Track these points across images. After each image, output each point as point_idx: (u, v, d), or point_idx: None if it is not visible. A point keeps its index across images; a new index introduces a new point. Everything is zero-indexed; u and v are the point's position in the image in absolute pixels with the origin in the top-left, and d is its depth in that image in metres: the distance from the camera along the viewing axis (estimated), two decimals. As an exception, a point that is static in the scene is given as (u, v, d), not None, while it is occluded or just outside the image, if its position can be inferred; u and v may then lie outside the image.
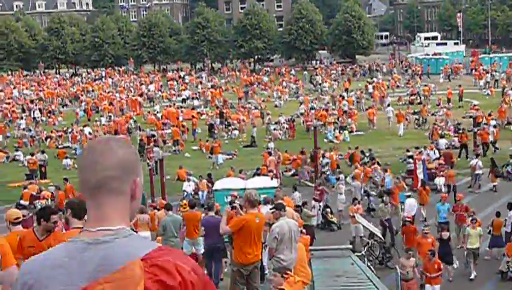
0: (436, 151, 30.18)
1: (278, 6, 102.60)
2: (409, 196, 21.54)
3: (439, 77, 62.08)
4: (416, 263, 15.71)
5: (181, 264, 2.01)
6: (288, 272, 8.96)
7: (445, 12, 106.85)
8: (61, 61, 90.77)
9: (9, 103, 56.84)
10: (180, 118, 43.54)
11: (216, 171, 30.12)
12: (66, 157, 35.17)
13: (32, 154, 33.31)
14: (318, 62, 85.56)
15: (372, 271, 14.75)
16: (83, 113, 51.45)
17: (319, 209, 22.35)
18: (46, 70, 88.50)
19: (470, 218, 18.02)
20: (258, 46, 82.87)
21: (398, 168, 28.11)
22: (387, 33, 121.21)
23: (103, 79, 75.99)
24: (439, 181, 25.66)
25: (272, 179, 23.31)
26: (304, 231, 13.73)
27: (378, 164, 27.27)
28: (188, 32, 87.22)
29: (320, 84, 60.79)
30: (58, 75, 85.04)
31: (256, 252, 10.24)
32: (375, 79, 60.24)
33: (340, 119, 41.16)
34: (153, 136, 37.10)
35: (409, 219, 18.80)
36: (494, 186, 25.83)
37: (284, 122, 40.49)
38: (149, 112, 49.00)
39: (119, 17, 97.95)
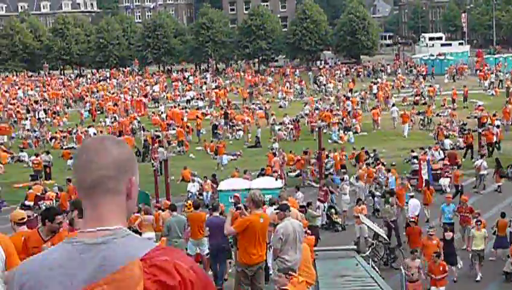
0: (441, 151, 30.16)
1: (283, 6, 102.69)
2: (412, 196, 21.51)
3: (443, 77, 61.93)
4: (421, 264, 15.67)
5: (179, 263, 2.00)
6: (293, 273, 8.95)
7: (450, 12, 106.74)
8: (66, 62, 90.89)
9: (14, 104, 56.79)
10: (185, 119, 43.58)
11: (221, 171, 30.13)
12: (71, 158, 35.15)
13: (37, 155, 33.32)
14: (322, 63, 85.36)
15: (377, 272, 14.73)
16: (88, 114, 51.47)
17: (324, 210, 22.35)
18: (51, 71, 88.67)
19: (475, 220, 17.97)
20: (262, 47, 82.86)
21: (402, 169, 28.10)
22: (392, 34, 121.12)
23: (108, 80, 76.21)
24: (444, 182, 25.64)
25: (276, 179, 23.34)
26: (308, 231, 13.72)
27: (382, 164, 27.27)
28: (193, 33, 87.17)
29: (324, 84, 60.81)
30: (62, 76, 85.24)
31: (261, 252, 10.22)
32: (379, 80, 60.19)
33: (344, 119, 41.12)
34: (158, 136, 37.10)
35: (413, 220, 18.78)
36: (498, 186, 25.79)
37: (288, 123, 40.49)
38: (153, 113, 49.00)
39: (123, 18, 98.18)
